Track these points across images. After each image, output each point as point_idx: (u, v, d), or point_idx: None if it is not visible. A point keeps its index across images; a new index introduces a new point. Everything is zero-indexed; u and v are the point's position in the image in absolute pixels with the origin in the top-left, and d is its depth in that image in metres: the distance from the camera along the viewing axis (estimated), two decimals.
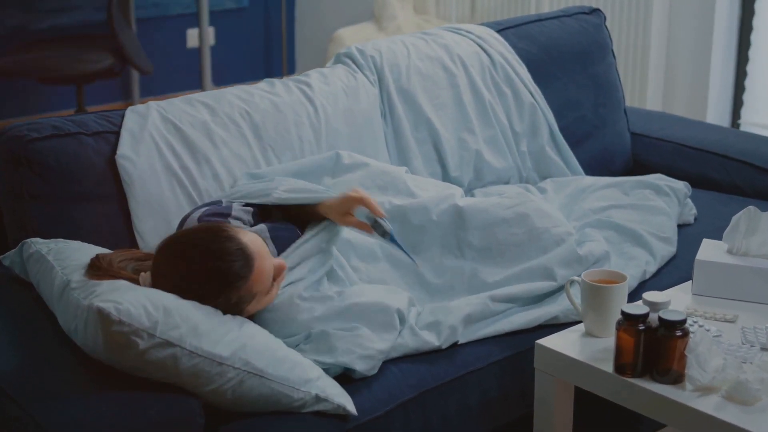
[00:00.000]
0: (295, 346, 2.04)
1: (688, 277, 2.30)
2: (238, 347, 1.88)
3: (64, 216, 2.22)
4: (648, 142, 3.18)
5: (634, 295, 2.28)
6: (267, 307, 2.07)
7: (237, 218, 2.18)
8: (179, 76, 5.49)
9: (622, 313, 1.89)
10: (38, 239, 2.14)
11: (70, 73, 4.36)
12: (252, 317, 2.04)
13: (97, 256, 2.00)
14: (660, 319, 1.86)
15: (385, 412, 2.00)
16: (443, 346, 2.15)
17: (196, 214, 2.17)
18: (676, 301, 2.12)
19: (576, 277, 2.11)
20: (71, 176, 2.23)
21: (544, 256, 2.36)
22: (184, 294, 1.91)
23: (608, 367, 1.94)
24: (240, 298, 1.98)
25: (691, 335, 1.87)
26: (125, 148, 2.31)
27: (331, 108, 2.62)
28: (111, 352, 1.82)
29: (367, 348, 2.04)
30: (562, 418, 2.07)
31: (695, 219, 2.77)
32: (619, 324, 1.89)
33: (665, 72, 4.31)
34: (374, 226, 2.15)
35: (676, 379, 1.88)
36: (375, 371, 2.05)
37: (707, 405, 1.82)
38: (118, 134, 2.33)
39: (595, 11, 3.21)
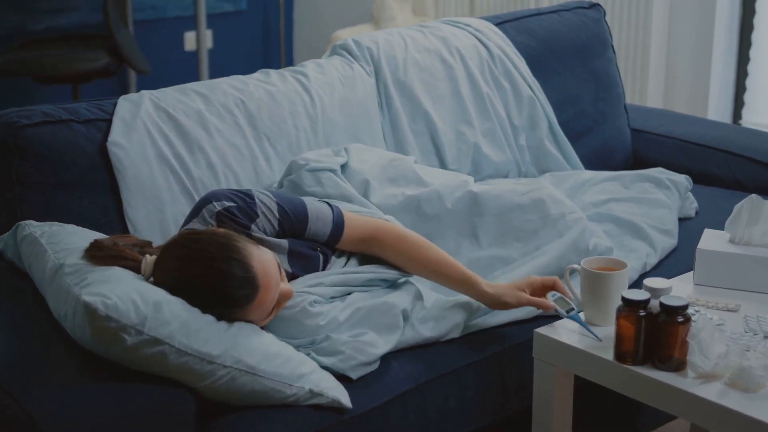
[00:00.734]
0: (296, 347, 1.99)
1: (689, 269, 2.25)
2: (229, 345, 1.82)
3: (55, 203, 2.18)
4: (648, 138, 3.15)
5: (634, 288, 2.23)
6: None
7: (261, 229, 2.04)
8: (176, 79, 5.43)
9: (623, 299, 1.85)
10: (33, 221, 2.10)
11: (66, 72, 4.32)
12: None
13: (96, 241, 1.95)
14: (661, 304, 1.82)
15: (381, 404, 1.96)
16: (441, 340, 2.11)
17: (219, 205, 2.02)
18: (677, 291, 2.08)
19: (575, 265, 2.07)
20: (62, 163, 2.20)
21: (559, 240, 2.33)
22: (179, 294, 1.85)
23: (608, 355, 1.90)
24: (234, 318, 1.89)
25: (693, 321, 1.83)
26: (117, 135, 2.27)
27: (327, 98, 2.59)
28: (99, 344, 1.78)
29: (370, 354, 1.97)
30: (561, 409, 2.02)
31: (696, 213, 2.74)
32: (619, 310, 1.85)
33: (666, 71, 4.28)
34: (558, 303, 2.07)
35: (678, 366, 1.83)
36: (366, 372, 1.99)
37: (710, 392, 1.78)
38: (110, 122, 2.30)
39: (595, 6, 3.19)
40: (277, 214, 2.06)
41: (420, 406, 2.01)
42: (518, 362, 2.13)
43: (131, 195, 2.25)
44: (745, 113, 4.26)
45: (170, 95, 2.42)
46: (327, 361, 1.96)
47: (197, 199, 2.30)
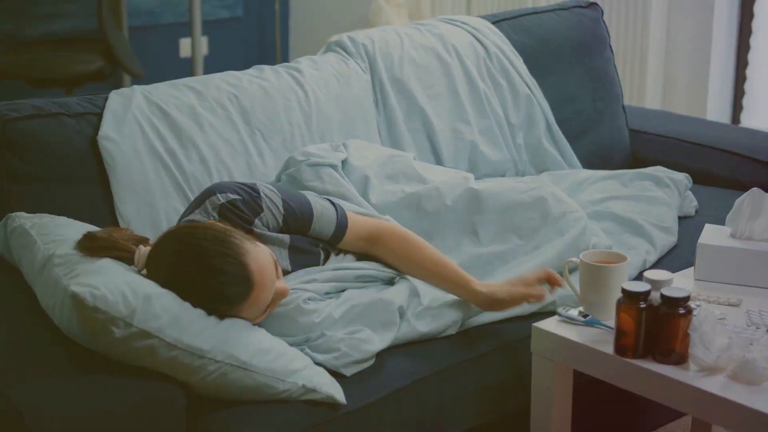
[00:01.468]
0: (290, 345, 1.94)
1: (689, 266, 2.22)
2: (220, 340, 1.78)
3: (44, 197, 2.14)
4: (647, 138, 3.12)
5: None
6: None
7: (264, 224, 2.01)
8: None
9: (623, 290, 1.81)
10: (23, 213, 2.07)
11: (59, 75, 4.29)
12: None
13: (88, 233, 1.91)
14: (662, 296, 1.79)
15: (376, 399, 1.91)
16: (438, 336, 2.07)
17: (223, 197, 1.98)
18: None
19: (574, 259, 2.04)
20: (52, 157, 2.16)
21: (560, 239, 2.29)
22: (172, 288, 1.81)
23: (608, 348, 1.86)
24: (225, 314, 1.85)
25: (694, 314, 1.79)
26: (108, 129, 2.24)
27: (322, 93, 2.56)
28: (87, 336, 1.74)
29: (365, 351, 1.94)
30: (560, 405, 1.98)
31: (696, 211, 2.70)
32: (619, 302, 1.81)
33: (664, 73, 4.26)
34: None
35: (680, 359, 1.79)
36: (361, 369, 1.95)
37: (713, 385, 1.74)
38: (100, 116, 2.27)
39: (593, 5, 3.16)
40: (282, 210, 2.03)
41: (416, 402, 1.97)
42: (516, 359, 2.09)
43: (122, 189, 2.21)
44: (744, 117, 4.23)
45: (162, 90, 2.39)
46: (321, 357, 1.92)
47: (189, 194, 2.27)
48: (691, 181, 2.76)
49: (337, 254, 2.16)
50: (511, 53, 2.92)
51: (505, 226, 2.32)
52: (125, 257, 1.88)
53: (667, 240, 2.47)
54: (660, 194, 2.61)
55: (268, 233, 2.01)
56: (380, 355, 1.98)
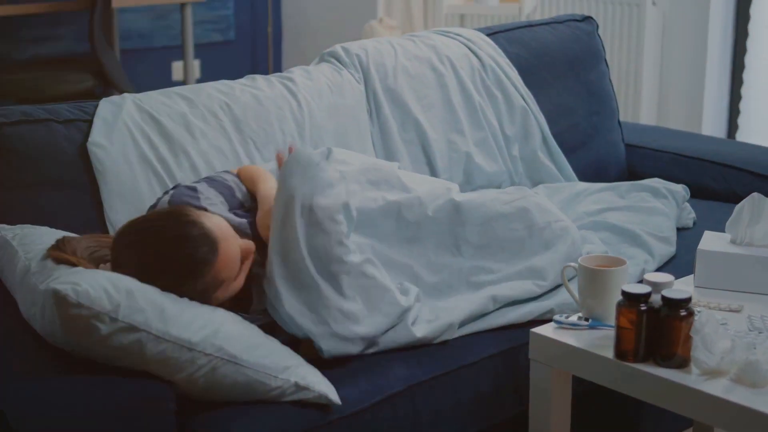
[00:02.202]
0: None
1: (688, 276, 2.18)
2: (209, 332, 1.75)
3: (32, 203, 2.11)
4: (643, 153, 3.09)
5: None
6: None
7: (207, 199, 2.08)
8: None
9: (623, 293, 1.77)
10: (4, 225, 2.04)
11: (50, 94, 4.26)
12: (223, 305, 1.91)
13: (63, 239, 1.89)
14: (663, 298, 1.75)
15: (371, 404, 1.88)
16: (434, 342, 2.03)
17: (166, 198, 2.07)
18: None
19: (572, 263, 2.00)
20: (40, 163, 2.14)
21: (546, 252, 2.24)
22: (147, 280, 1.78)
23: (608, 353, 1.81)
24: (206, 285, 1.86)
25: (696, 316, 1.75)
26: (97, 136, 2.21)
27: (315, 103, 2.53)
28: (71, 337, 1.68)
29: (346, 328, 1.91)
30: (559, 412, 1.94)
31: (694, 223, 2.67)
32: (619, 305, 1.77)
33: (659, 90, 4.24)
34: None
35: (681, 363, 1.75)
36: (342, 354, 1.92)
37: (716, 388, 1.70)
38: (90, 122, 2.24)
39: (587, 19, 3.14)
40: (213, 190, 2.12)
41: (411, 408, 1.92)
42: (513, 365, 2.05)
43: (112, 197, 2.18)
44: (740, 136, 4.22)
45: (153, 98, 2.36)
46: (298, 316, 1.91)
47: None
48: (689, 192, 2.73)
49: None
50: (505, 65, 2.89)
51: (488, 239, 2.25)
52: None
53: (665, 250, 2.43)
54: (658, 205, 2.59)
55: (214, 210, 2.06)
56: (375, 358, 1.96)
